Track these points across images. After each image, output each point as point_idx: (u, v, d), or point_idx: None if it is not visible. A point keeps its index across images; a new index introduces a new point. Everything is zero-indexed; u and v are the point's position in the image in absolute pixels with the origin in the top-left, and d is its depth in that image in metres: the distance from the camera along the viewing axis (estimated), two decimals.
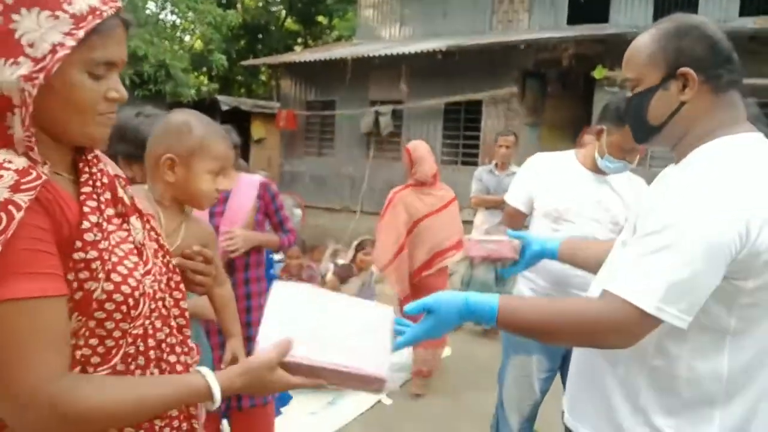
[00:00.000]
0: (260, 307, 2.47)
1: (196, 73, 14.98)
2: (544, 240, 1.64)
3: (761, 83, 7.14)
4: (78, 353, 0.88)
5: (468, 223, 7.52)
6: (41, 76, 0.81)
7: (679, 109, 1.17)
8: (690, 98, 1.16)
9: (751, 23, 7.60)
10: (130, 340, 0.94)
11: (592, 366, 1.29)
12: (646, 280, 1.06)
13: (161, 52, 12.49)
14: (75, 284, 0.86)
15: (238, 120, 14.11)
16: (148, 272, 0.98)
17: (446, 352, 4.75)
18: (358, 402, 3.72)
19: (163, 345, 1.01)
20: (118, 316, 0.90)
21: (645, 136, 1.26)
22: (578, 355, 1.37)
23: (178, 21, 14.94)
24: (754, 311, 1.11)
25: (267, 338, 1.03)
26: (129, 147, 1.61)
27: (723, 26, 7.35)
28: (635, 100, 1.23)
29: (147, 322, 0.97)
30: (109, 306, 0.89)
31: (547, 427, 2.87)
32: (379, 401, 3.78)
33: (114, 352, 0.91)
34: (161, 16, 14.84)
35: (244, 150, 10.63)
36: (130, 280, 0.92)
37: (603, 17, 9.02)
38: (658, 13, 8.76)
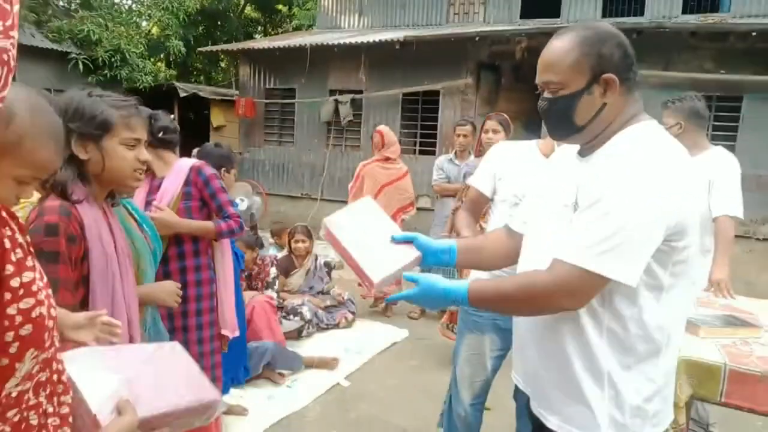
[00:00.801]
0: (197, 298, 2.46)
1: (153, 59, 14.66)
2: (436, 250, 1.58)
3: (702, 77, 7.54)
4: (26, 396, 0.77)
5: (428, 211, 7.73)
6: (15, 33, 0.68)
7: (602, 110, 1.30)
8: (612, 100, 1.29)
9: (694, 20, 7.99)
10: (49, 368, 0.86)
11: (557, 346, 1.35)
12: (593, 245, 1.18)
13: (116, 37, 12.21)
14: (20, 318, 0.75)
15: (197, 107, 13.98)
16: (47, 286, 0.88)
17: (404, 333, 4.92)
18: (316, 385, 3.81)
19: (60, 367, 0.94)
20: (48, 344, 0.82)
21: (567, 135, 1.37)
22: (541, 341, 1.40)
23: (134, 5, 14.60)
24: (682, 266, 1.26)
25: (103, 408, 0.93)
26: (85, 125, 1.46)
27: (666, 22, 7.68)
28: (561, 103, 1.31)
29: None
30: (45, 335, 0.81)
31: (497, 403, 3.02)
32: (338, 383, 3.89)
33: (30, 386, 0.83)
34: (116, 0, 14.48)
35: (203, 138, 10.56)
36: (44, 300, 0.83)
37: (555, 12, 9.31)
38: (607, 8, 9.11)
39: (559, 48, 1.30)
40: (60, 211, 1.38)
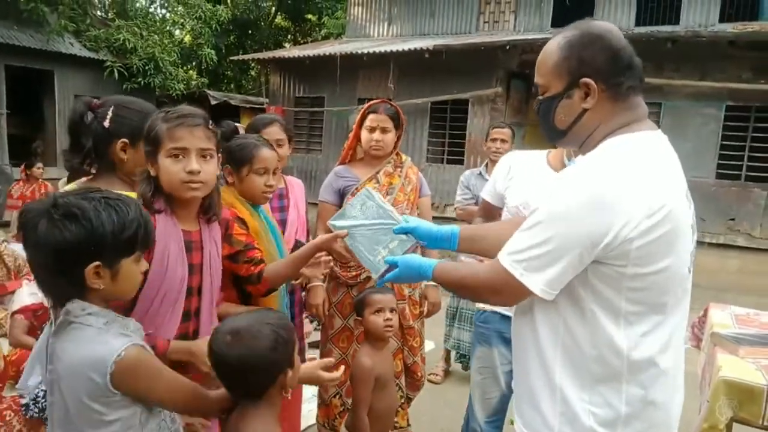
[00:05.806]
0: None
1: (185, 67, 14.94)
2: (438, 237, 1.57)
3: (740, 87, 7.34)
4: None
5: (450, 221, 7.68)
6: None
7: (582, 116, 1.23)
8: (591, 106, 1.21)
9: (731, 28, 7.80)
10: None
11: (523, 352, 1.33)
12: (519, 251, 1.18)
13: (150, 46, 12.46)
14: None
15: (228, 115, 14.16)
16: None
17: (429, 346, 4.85)
18: None
19: None
20: None
21: (553, 138, 1.33)
22: (515, 343, 1.40)
23: (167, 15, 14.91)
24: (646, 296, 1.16)
25: None
26: (145, 144, 1.51)
27: (703, 31, 7.51)
28: (542, 106, 1.29)
29: None
30: None
31: None
32: None
33: None
34: (151, 10, 14.82)
35: None
36: None
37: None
38: (641, 16, 8.95)
39: (547, 50, 1.27)
40: None
